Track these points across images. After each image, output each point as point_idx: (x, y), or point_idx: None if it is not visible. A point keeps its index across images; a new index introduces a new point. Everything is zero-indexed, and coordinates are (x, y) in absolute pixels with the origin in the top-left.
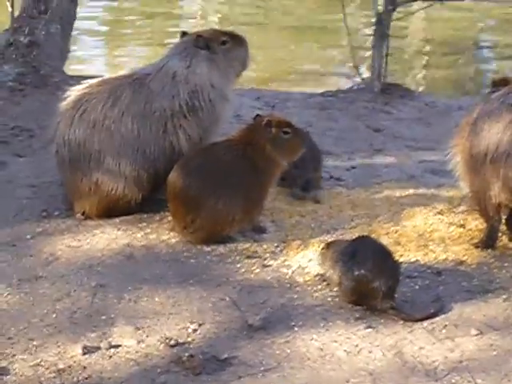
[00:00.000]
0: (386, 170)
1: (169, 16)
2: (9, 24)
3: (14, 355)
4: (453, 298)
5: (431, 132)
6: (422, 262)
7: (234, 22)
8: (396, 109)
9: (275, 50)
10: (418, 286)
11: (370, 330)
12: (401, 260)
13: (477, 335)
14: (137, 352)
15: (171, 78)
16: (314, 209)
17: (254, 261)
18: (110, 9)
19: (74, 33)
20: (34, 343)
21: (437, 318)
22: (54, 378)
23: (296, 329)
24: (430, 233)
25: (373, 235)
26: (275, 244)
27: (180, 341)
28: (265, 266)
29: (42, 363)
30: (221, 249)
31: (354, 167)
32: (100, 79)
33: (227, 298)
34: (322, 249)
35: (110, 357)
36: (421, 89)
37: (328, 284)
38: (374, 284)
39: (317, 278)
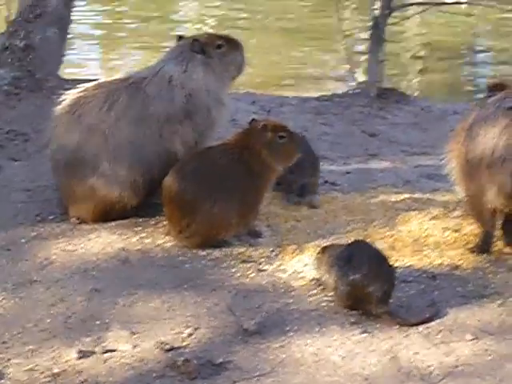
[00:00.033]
0: (381, 175)
1: (164, 20)
2: (4, 28)
3: (9, 359)
4: (448, 302)
5: (427, 137)
6: (417, 267)
7: (229, 26)
8: (391, 113)
9: (271, 54)
10: (414, 291)
11: (365, 334)
12: (396, 265)
13: (472, 340)
14: (132, 356)
15: (167, 83)
16: (310, 213)
17: (249, 265)
18: (106, 12)
19: (69, 37)
20: (29, 348)
21: (432, 323)
22: (49, 382)
23: (291, 333)
24: (425, 237)
25: (368, 240)
26: (270, 248)
27: (175, 345)
28: (260, 270)
29: (37, 368)
30: (216, 253)
31: (349, 172)
32: (96, 83)
33: (222, 303)
34: (318, 253)
35: (105, 361)
36: (416, 93)
37: (323, 289)
38: (370, 289)
39: (312, 283)
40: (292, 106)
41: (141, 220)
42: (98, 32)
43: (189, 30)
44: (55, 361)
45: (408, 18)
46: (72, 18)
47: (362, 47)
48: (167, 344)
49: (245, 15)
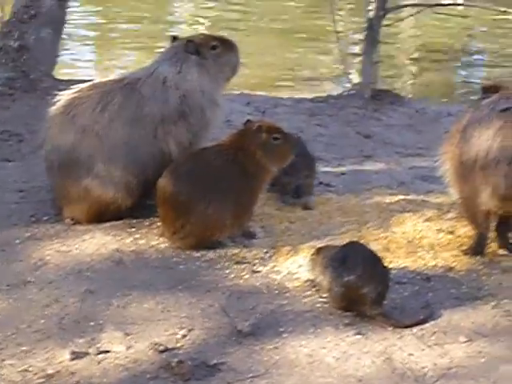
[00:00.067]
0: (375, 177)
1: (159, 20)
2: None
3: (3, 360)
4: (442, 304)
5: (421, 138)
6: (412, 269)
7: (224, 27)
8: (386, 115)
9: (265, 56)
10: (408, 293)
11: (359, 336)
12: (390, 266)
13: (466, 342)
14: (126, 358)
15: (162, 84)
16: (304, 215)
17: (243, 266)
18: (100, 13)
19: (63, 37)
20: (23, 349)
21: (426, 325)
22: (43, 383)
23: (285, 335)
24: (419, 239)
25: (362, 241)
26: (265, 250)
27: (169, 346)
28: (254, 271)
29: (31, 369)
30: (210, 254)
31: (343, 173)
32: (90, 83)
33: (216, 304)
34: (312, 255)
35: (99, 362)
36: (411, 95)
37: (317, 290)
38: (364, 290)
39: (306, 284)
40: (287, 107)
41: (135, 221)
42: (93, 33)
43: (183, 31)
44: (49, 362)
45: (402, 19)
46: (66, 18)
47: (356, 48)
48: (161, 345)
49: (239, 16)
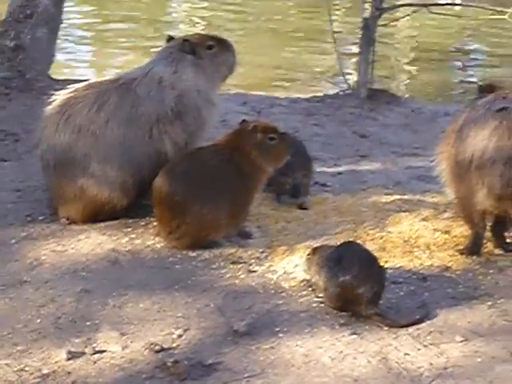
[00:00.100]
0: (371, 176)
1: (155, 20)
2: None
3: None
4: (438, 304)
5: (417, 138)
6: (408, 268)
7: (220, 27)
8: (382, 115)
9: (261, 55)
10: (403, 292)
11: (354, 336)
12: (386, 266)
13: (462, 342)
14: (121, 357)
15: (157, 83)
16: (300, 215)
17: (239, 266)
18: (96, 13)
19: (59, 37)
20: (18, 348)
21: (422, 325)
22: (39, 383)
23: (281, 335)
24: (415, 239)
25: (358, 241)
26: (261, 250)
27: (165, 346)
28: (250, 271)
29: (26, 368)
30: (206, 254)
31: (340, 173)
32: (86, 83)
33: (212, 304)
34: (308, 254)
35: (95, 362)
36: (407, 95)
37: (313, 290)
38: (359, 290)
39: (302, 284)
40: (283, 107)
41: (131, 221)
42: (89, 33)
43: (179, 31)
44: (45, 361)
45: (397, 19)
46: (62, 18)
47: (352, 48)
48: (157, 345)
49: (235, 16)
